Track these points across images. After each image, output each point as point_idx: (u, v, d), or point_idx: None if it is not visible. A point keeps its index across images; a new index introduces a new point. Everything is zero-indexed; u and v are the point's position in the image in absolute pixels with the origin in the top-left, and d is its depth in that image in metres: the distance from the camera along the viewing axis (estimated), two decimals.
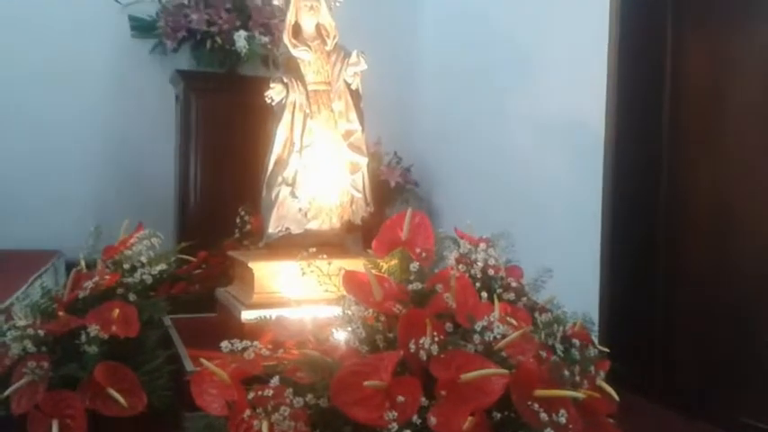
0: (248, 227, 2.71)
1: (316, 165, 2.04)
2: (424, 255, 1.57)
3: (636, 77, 2.69)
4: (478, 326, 1.29)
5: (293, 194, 2.01)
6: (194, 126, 3.65)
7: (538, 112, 3.18)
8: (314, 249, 1.62)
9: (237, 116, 3.56)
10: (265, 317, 1.61)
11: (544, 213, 3.08)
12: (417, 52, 4.28)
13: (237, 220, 2.76)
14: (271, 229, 2.02)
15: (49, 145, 3.69)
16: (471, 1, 3.78)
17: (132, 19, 3.76)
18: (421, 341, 1.23)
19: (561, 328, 1.54)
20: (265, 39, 3.67)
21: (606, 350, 1.73)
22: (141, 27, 3.75)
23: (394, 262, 1.58)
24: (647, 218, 2.69)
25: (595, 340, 1.77)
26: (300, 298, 1.78)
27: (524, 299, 1.73)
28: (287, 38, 2.09)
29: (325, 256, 1.61)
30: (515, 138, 3.33)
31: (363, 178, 2.07)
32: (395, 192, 3.74)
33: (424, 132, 4.15)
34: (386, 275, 1.51)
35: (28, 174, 3.64)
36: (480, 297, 1.57)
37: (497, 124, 3.47)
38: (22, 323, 1.61)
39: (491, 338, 1.28)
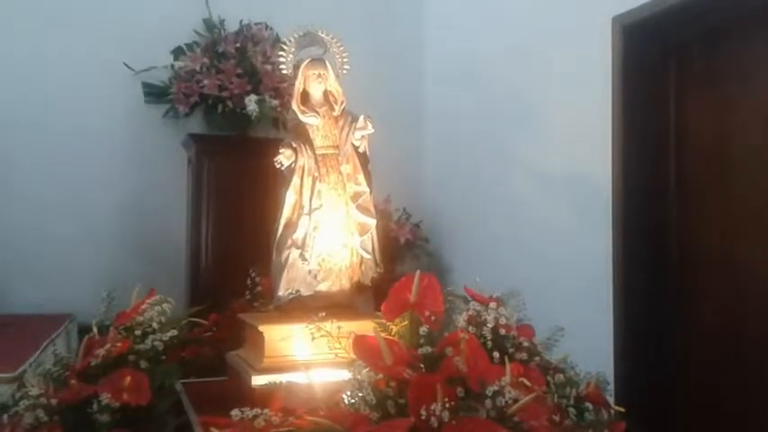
0: (258, 288, 2.72)
1: (325, 227, 2.06)
2: (433, 318, 1.57)
3: (640, 131, 2.72)
4: (490, 390, 1.28)
5: (303, 257, 2.02)
6: (206, 188, 3.72)
7: (544, 166, 3.21)
8: (324, 313, 1.62)
9: (248, 178, 3.61)
10: (276, 382, 1.61)
11: (554, 269, 3.08)
12: (423, 110, 4.37)
13: (248, 282, 2.76)
14: (281, 292, 2.03)
15: (63, 209, 3.75)
16: (475, 58, 3.87)
17: (146, 85, 3.87)
18: (432, 407, 1.22)
19: (575, 390, 1.53)
20: (275, 102, 3.76)
21: (621, 410, 1.71)
22: (154, 93, 3.86)
23: (404, 325, 1.58)
24: (658, 273, 2.68)
25: (610, 400, 1.75)
26: (311, 361, 1.77)
27: (537, 358, 1.72)
28: (296, 105, 2.14)
29: (334, 320, 1.61)
30: (523, 192, 3.36)
31: (372, 239, 2.09)
32: (405, 248, 3.76)
33: (432, 189, 4.19)
34: (396, 339, 1.51)
35: (40, 237, 3.69)
36: (492, 357, 1.56)
37: (504, 179, 3.51)
38: (34, 392, 1.61)
39: (503, 403, 1.27)
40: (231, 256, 3.54)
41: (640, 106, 2.72)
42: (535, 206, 3.26)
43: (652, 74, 2.72)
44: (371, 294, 2.22)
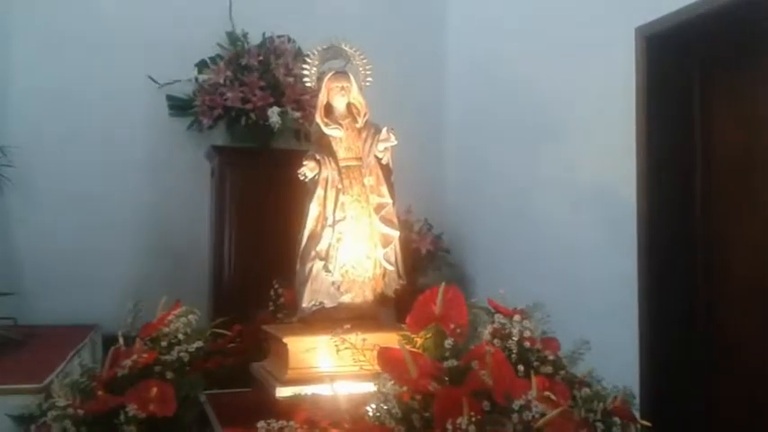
0: (282, 300, 2.73)
1: (348, 238, 2.06)
2: (458, 330, 1.57)
3: (665, 145, 2.70)
4: (516, 404, 1.27)
5: (326, 269, 2.02)
6: (229, 199, 3.74)
7: (568, 178, 3.19)
8: (348, 326, 1.63)
9: (271, 189, 3.63)
10: (300, 394, 1.61)
11: (578, 282, 3.05)
12: (445, 121, 4.38)
13: (271, 293, 2.78)
14: (304, 304, 2.03)
15: (88, 220, 3.80)
16: (498, 71, 3.87)
17: (170, 98, 3.92)
18: (458, 421, 1.22)
19: (602, 404, 1.51)
20: (297, 114, 3.78)
21: (648, 424, 1.69)
22: (179, 106, 3.91)
23: (428, 337, 1.58)
24: (684, 286, 2.65)
25: (637, 414, 1.73)
26: (335, 373, 1.77)
27: (562, 372, 1.70)
28: (319, 117, 2.15)
29: (359, 332, 1.61)
30: (545, 205, 3.34)
31: (396, 251, 2.09)
32: (426, 259, 3.75)
33: (454, 200, 4.19)
34: (420, 351, 1.51)
35: (65, 249, 3.73)
36: (517, 371, 1.55)
37: (526, 192, 3.49)
38: (62, 403, 1.63)
39: (530, 417, 1.26)
40: (254, 267, 3.56)
41: (665, 120, 2.69)
42: (558, 220, 3.24)
43: (676, 86, 2.70)
44: (393, 306, 2.22)
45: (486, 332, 1.69)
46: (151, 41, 3.87)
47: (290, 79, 3.82)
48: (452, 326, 1.56)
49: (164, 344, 1.85)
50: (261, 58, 3.87)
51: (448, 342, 1.51)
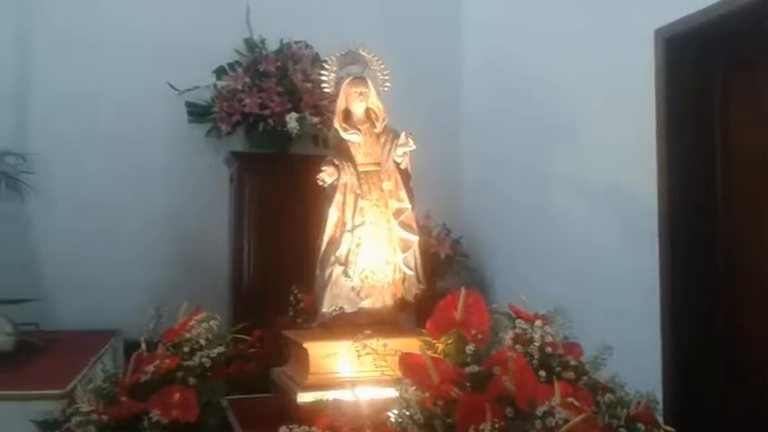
0: (301, 305, 2.74)
1: (367, 243, 2.06)
2: (479, 336, 1.56)
3: (685, 145, 2.67)
4: (540, 411, 1.27)
5: (346, 274, 2.03)
6: (247, 205, 3.76)
7: (586, 180, 3.17)
8: (369, 331, 1.63)
9: (289, 194, 3.64)
10: (322, 399, 1.61)
11: (599, 285, 3.03)
12: (461, 124, 4.37)
13: (291, 299, 2.79)
14: (324, 309, 2.04)
15: (109, 226, 3.83)
16: (514, 71, 3.85)
17: (189, 105, 3.94)
18: (481, 427, 1.21)
19: (625, 410, 1.50)
20: (315, 119, 3.79)
21: (672, 430, 1.67)
22: (197, 113, 3.93)
23: (450, 343, 1.57)
24: (705, 287, 2.62)
25: (660, 420, 1.71)
26: (356, 378, 1.78)
27: (585, 378, 1.69)
28: (338, 123, 2.16)
29: (380, 338, 1.61)
30: (564, 207, 3.33)
31: (415, 256, 2.09)
32: (445, 264, 3.74)
33: (471, 201, 4.18)
34: (442, 357, 1.51)
35: (86, 255, 3.76)
36: (539, 377, 1.54)
37: (545, 193, 3.48)
38: (85, 408, 1.65)
39: (553, 424, 1.25)
40: (273, 272, 3.57)
41: (685, 120, 2.67)
42: (578, 221, 3.22)
43: (696, 87, 2.68)
44: (413, 311, 2.22)
45: (507, 337, 1.68)
46: (170, 48, 3.90)
47: (308, 85, 3.83)
48: (474, 331, 1.56)
49: (186, 349, 1.86)
50: (278, 63, 3.88)
51: (469, 348, 1.51)
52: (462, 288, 1.59)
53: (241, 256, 3.73)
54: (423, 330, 1.69)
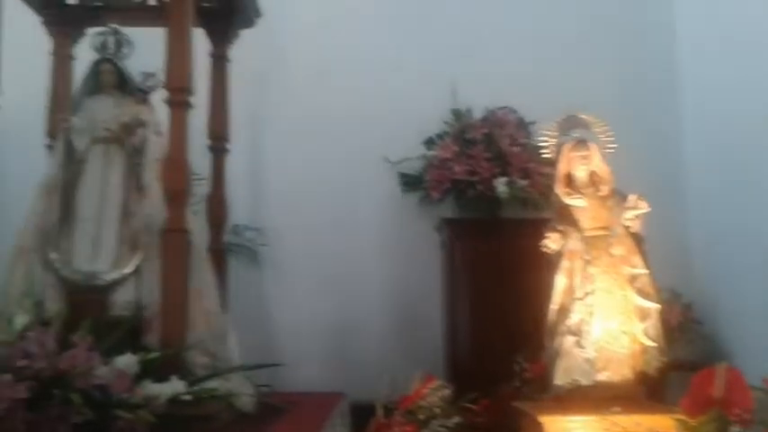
0: (526, 374, 2.67)
1: (600, 312, 1.99)
2: (744, 416, 1.42)
3: None
4: None
5: (579, 344, 1.96)
6: (460, 270, 3.80)
7: None
8: (618, 408, 1.55)
9: (501, 259, 3.63)
10: None
11: None
12: (683, 181, 4.09)
13: (515, 368, 2.74)
14: (558, 381, 1.98)
15: (329, 292, 4.06)
16: (737, 126, 3.54)
17: (402, 176, 4.13)
18: None
19: None
20: (524, 182, 3.78)
21: None
22: (410, 182, 4.10)
23: (708, 423, 1.44)
24: None
25: None
26: None
27: None
28: (560, 188, 2.14)
29: (630, 414, 1.52)
30: None
31: (656, 325, 1.97)
32: (676, 331, 3.45)
33: (700, 266, 3.85)
34: None
35: (314, 322, 4.02)
36: None
37: None
38: None
39: None
40: (487, 338, 3.55)
41: None
42: None
43: None
44: (651, 384, 2.07)
45: None
46: (383, 124, 4.13)
47: (515, 149, 3.85)
48: (737, 410, 1.42)
49: (421, 417, 1.91)
50: (485, 130, 3.95)
51: (734, 429, 1.37)
52: (723, 363, 1.46)
53: (455, 320, 3.76)
54: (674, 407, 1.58)
